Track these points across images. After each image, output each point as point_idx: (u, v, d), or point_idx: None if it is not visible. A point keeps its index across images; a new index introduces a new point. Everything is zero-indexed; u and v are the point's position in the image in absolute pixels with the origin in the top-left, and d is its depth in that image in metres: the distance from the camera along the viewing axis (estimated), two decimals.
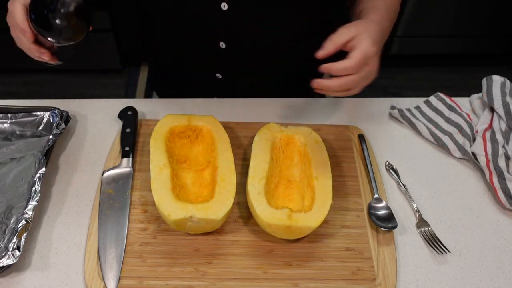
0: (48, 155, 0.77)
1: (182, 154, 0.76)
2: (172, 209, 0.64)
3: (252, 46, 0.86)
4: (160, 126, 0.75)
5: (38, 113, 0.82)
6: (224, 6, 0.78)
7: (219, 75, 0.92)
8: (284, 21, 0.82)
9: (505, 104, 0.84)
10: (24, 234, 0.64)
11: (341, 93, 0.68)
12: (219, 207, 0.65)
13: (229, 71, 0.91)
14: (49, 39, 0.66)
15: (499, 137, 0.81)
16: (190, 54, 0.91)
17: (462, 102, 0.92)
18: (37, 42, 0.68)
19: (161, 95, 1.09)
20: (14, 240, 0.63)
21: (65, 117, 0.81)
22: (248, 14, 0.80)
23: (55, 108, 0.82)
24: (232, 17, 0.79)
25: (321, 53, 0.66)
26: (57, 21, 0.64)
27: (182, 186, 0.71)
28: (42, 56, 0.68)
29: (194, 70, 0.95)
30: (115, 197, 0.72)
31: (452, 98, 0.92)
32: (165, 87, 1.08)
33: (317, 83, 0.66)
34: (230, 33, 0.83)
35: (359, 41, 0.65)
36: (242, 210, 0.72)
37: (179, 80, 1.01)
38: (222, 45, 0.85)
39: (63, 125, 0.80)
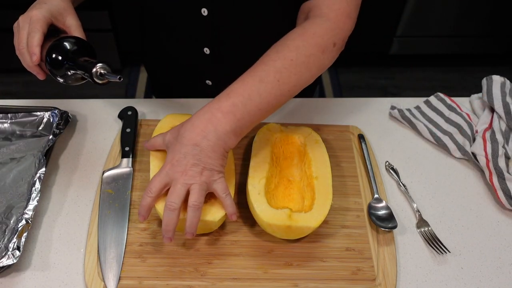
0: (48, 155, 0.77)
1: None
2: None
3: (236, 51, 0.86)
4: (161, 127, 0.75)
5: (38, 113, 0.82)
6: (204, 11, 0.78)
7: (209, 82, 0.92)
8: (265, 25, 0.82)
9: (505, 104, 0.84)
10: (24, 234, 0.64)
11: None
12: (216, 209, 0.65)
13: (217, 77, 0.91)
14: (58, 79, 0.69)
15: (499, 137, 0.81)
16: (179, 61, 0.92)
17: (462, 102, 0.92)
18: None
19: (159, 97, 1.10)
20: (14, 240, 0.63)
21: (65, 117, 0.81)
22: (229, 19, 0.80)
23: (55, 108, 0.82)
24: (213, 23, 0.79)
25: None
26: (71, 73, 0.67)
27: None
28: (38, 76, 0.71)
29: (184, 77, 0.95)
30: (115, 197, 0.72)
31: (452, 98, 0.92)
32: (162, 92, 1.09)
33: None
34: (212, 38, 0.83)
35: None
36: (242, 210, 0.72)
37: (172, 86, 1.01)
38: (207, 50, 0.85)
39: (63, 125, 0.80)
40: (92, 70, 0.63)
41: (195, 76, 0.93)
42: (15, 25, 0.70)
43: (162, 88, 1.07)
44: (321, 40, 0.66)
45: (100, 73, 0.64)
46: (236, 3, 0.77)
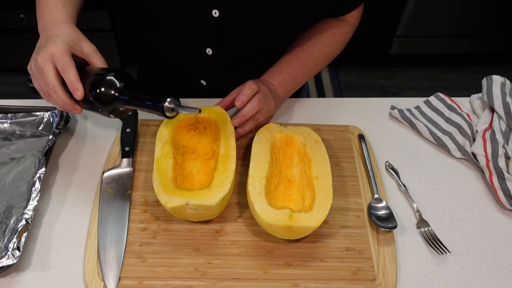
0: (48, 155, 0.77)
1: (191, 146, 0.77)
2: (169, 197, 0.65)
3: (237, 54, 0.87)
4: (167, 120, 0.76)
5: (38, 113, 0.82)
6: (216, 13, 0.78)
7: (203, 82, 0.92)
8: (273, 29, 0.82)
9: (505, 104, 0.84)
10: (24, 234, 0.64)
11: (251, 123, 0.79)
12: (214, 193, 0.65)
13: (212, 78, 0.91)
14: (101, 112, 0.67)
15: (499, 137, 0.81)
16: (177, 60, 0.91)
17: (462, 102, 0.92)
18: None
19: None
20: (14, 240, 0.63)
21: (65, 117, 0.81)
22: (238, 21, 0.80)
23: (55, 108, 0.82)
24: (222, 24, 0.79)
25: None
26: (122, 108, 0.66)
27: (186, 176, 0.72)
28: (74, 112, 0.68)
29: (179, 76, 0.95)
30: (115, 197, 0.72)
31: (452, 98, 0.92)
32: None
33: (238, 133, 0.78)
34: (218, 40, 0.83)
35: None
36: (242, 210, 0.72)
37: (164, 86, 1.01)
38: (209, 51, 0.85)
39: (63, 125, 0.80)
40: (162, 104, 0.62)
41: (191, 76, 0.93)
42: (32, 66, 0.67)
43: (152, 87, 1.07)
44: (344, 38, 0.91)
45: (171, 108, 0.63)
46: (248, 6, 0.77)
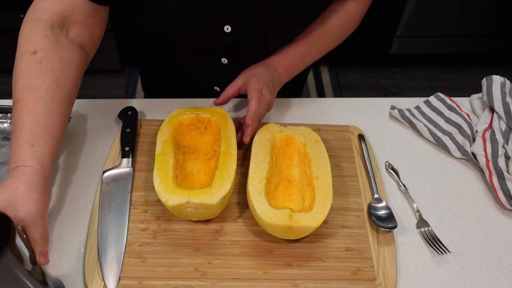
0: None
1: (192, 145, 0.77)
2: (169, 195, 0.65)
3: (254, 59, 0.86)
4: (168, 120, 0.77)
5: None
6: (228, 28, 0.78)
7: (217, 88, 0.92)
8: (284, 41, 0.83)
9: (505, 104, 0.84)
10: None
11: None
12: (215, 192, 0.66)
13: (226, 84, 0.91)
14: None
15: (499, 137, 0.81)
16: (190, 70, 0.91)
17: (462, 102, 0.92)
18: None
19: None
20: None
21: None
22: (252, 35, 0.80)
23: None
24: (236, 38, 0.80)
25: (219, 101, 0.81)
26: None
27: (187, 175, 0.73)
28: None
29: (193, 84, 0.95)
30: (115, 197, 0.72)
31: (452, 98, 0.92)
32: (159, 95, 1.08)
33: (246, 137, 0.76)
34: (233, 51, 0.83)
35: (249, 83, 0.78)
36: (242, 210, 0.72)
37: (175, 91, 1.00)
38: (224, 61, 0.85)
39: None
40: None
41: (205, 83, 0.93)
42: None
43: (161, 92, 1.07)
44: (354, 18, 0.86)
45: None
46: (259, 19, 0.77)
